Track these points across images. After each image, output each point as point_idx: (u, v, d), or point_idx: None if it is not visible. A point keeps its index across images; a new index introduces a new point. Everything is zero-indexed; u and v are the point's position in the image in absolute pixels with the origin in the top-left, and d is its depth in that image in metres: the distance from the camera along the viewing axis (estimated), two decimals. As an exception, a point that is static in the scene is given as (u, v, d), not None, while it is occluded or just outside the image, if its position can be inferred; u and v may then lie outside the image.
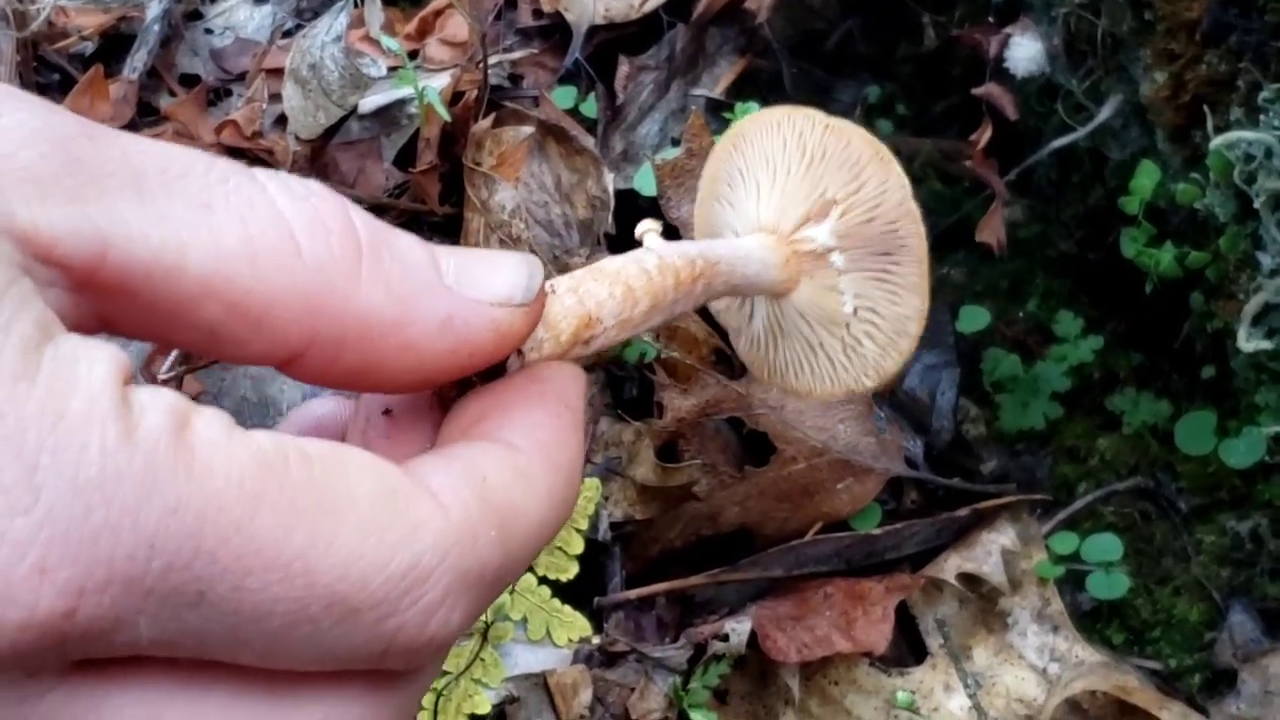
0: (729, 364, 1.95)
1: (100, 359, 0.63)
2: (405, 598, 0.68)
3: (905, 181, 1.17)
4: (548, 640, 1.84)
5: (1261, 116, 1.65)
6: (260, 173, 0.74)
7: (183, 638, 0.63)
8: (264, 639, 0.65)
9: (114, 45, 2.58)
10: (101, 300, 0.68)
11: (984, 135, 2.09)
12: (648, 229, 1.12)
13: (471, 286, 0.80)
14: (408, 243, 0.78)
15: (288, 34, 2.54)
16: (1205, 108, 1.75)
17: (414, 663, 0.71)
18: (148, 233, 0.67)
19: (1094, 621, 1.95)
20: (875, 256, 1.20)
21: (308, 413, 0.95)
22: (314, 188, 0.75)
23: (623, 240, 2.13)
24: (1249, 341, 1.76)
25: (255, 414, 1.99)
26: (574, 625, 1.85)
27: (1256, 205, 1.69)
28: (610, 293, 0.97)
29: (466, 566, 0.71)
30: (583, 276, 0.97)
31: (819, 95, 2.49)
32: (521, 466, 0.78)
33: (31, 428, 0.59)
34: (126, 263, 0.66)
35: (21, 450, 0.59)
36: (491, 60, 2.23)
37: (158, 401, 0.64)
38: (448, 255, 0.80)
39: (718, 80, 2.34)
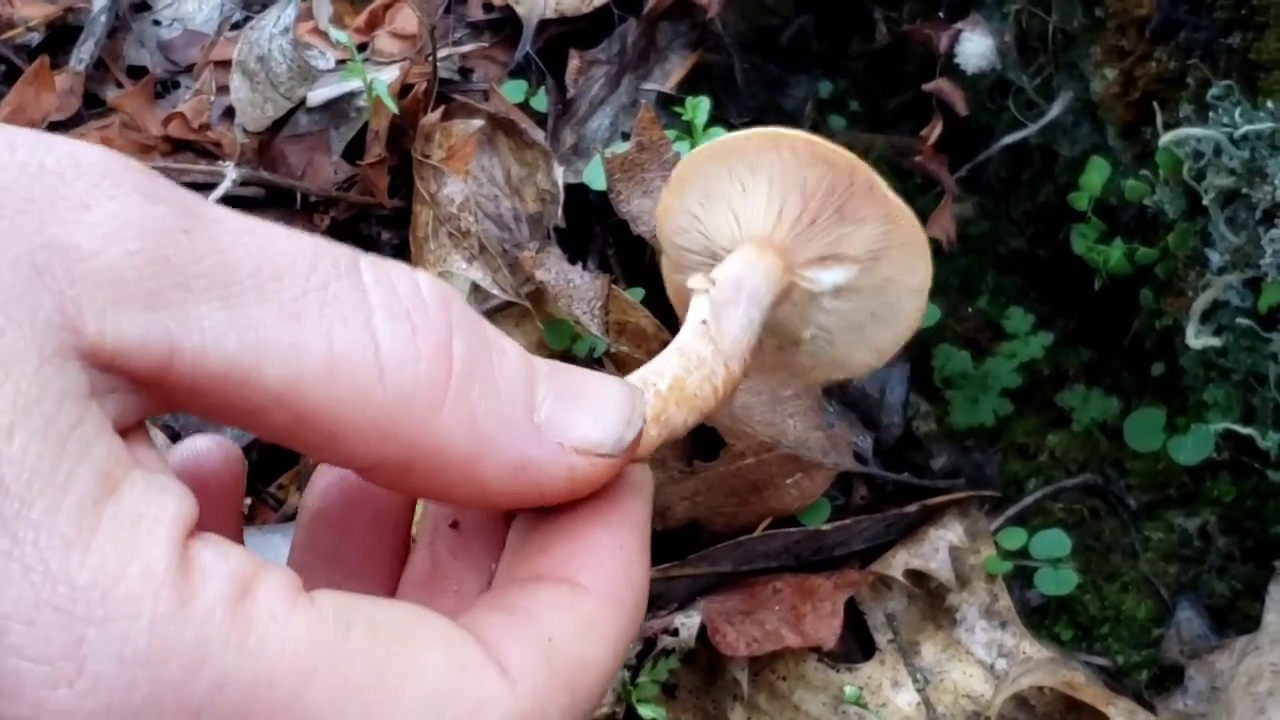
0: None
1: (164, 518, 0.61)
2: None
3: (928, 274, 1.16)
4: (496, 635, 1.83)
5: (1211, 113, 1.65)
6: (368, 272, 0.71)
7: None
8: None
9: (60, 36, 2.56)
10: (166, 395, 0.66)
11: (934, 131, 2.09)
12: (700, 288, 1.09)
13: (561, 429, 0.77)
14: (510, 369, 0.75)
15: (236, 26, 2.52)
16: (1155, 105, 1.76)
17: None
18: (224, 341, 0.65)
19: (1042, 618, 1.95)
20: (864, 314, 1.19)
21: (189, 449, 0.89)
22: (426, 295, 0.72)
23: (572, 234, 2.12)
24: (1198, 338, 1.76)
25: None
26: (523, 620, 1.83)
27: (1205, 202, 1.69)
28: (685, 421, 0.94)
29: None
30: (667, 397, 0.94)
31: (771, 91, 2.49)
32: (588, 613, 0.75)
33: (81, 600, 0.58)
34: (195, 370, 0.65)
35: (70, 622, 0.57)
36: (441, 53, 2.23)
37: (221, 566, 0.62)
38: (548, 381, 0.77)
39: (669, 75, 2.34)
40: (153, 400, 0.66)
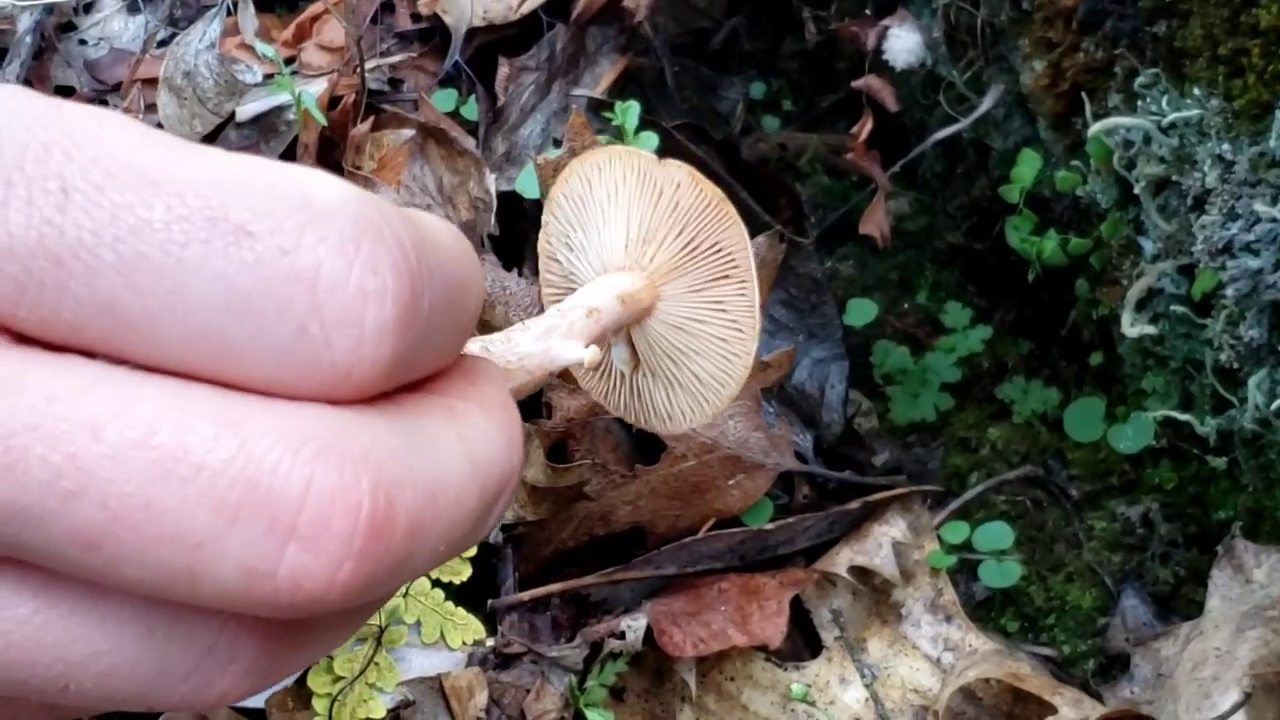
0: (616, 363, 1.94)
1: None
2: (308, 228, 0.59)
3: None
4: (442, 643, 1.82)
5: (1139, 102, 1.66)
6: None
7: (69, 263, 0.57)
8: (157, 267, 0.58)
9: (-14, 58, 2.55)
10: None
11: (865, 128, 2.09)
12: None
13: None
14: None
15: (163, 43, 2.51)
16: (1084, 95, 1.76)
17: (352, 338, 0.60)
18: None
19: (988, 611, 1.96)
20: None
21: None
22: None
23: (505, 241, 2.12)
24: (1133, 327, 1.77)
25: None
26: (468, 628, 1.83)
27: (1137, 191, 1.70)
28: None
29: (374, 219, 0.61)
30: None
31: (704, 93, 2.49)
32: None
33: None
34: None
35: None
36: (370, 64, 2.22)
37: None
38: None
39: (599, 80, 2.33)
40: None
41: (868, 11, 2.13)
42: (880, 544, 1.90)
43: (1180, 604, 1.89)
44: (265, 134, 2.25)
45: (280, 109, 2.24)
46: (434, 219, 0.69)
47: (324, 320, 0.59)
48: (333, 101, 2.18)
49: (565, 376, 1.91)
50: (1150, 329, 1.76)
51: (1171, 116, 1.61)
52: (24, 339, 0.58)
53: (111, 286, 0.57)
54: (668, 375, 1.25)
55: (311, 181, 0.61)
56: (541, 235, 1.25)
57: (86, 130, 0.58)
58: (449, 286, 0.66)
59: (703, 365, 1.24)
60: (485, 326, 1.99)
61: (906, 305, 2.25)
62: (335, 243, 0.60)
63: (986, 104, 2.00)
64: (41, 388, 0.57)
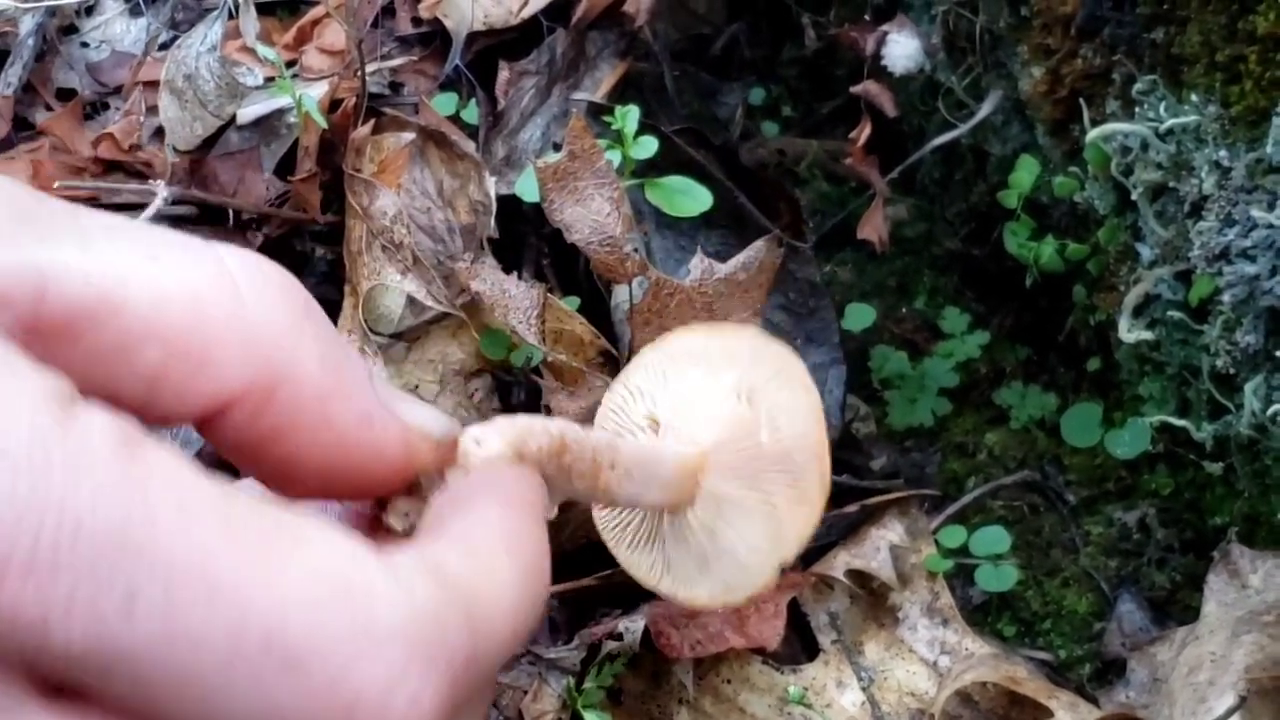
0: (614, 366, 1.94)
1: (41, 370, 0.59)
2: (360, 660, 0.61)
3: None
4: (440, 647, 1.82)
5: (1136, 109, 1.67)
6: (206, 240, 0.72)
7: (121, 663, 0.58)
8: (205, 682, 0.59)
9: (-12, 61, 2.55)
10: (45, 345, 0.64)
11: (863, 133, 2.09)
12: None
13: (393, 403, 0.77)
14: (343, 339, 0.75)
15: (164, 46, 2.51)
16: (1082, 101, 1.77)
17: None
18: (88, 272, 0.64)
19: (985, 615, 1.96)
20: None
21: None
22: (262, 258, 0.73)
23: (505, 245, 2.12)
24: (1130, 332, 1.77)
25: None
26: (466, 631, 1.83)
27: (1134, 197, 1.71)
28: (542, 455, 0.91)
29: (429, 641, 0.63)
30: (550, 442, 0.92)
31: (704, 99, 2.49)
32: (484, 560, 0.72)
33: None
34: (66, 302, 0.63)
35: None
36: (370, 68, 2.22)
37: (107, 414, 0.60)
38: (378, 374, 0.77)
39: (599, 84, 2.34)
40: (31, 347, 0.63)
41: (867, 18, 2.14)
42: (878, 547, 1.90)
43: (1176, 609, 1.89)
44: (266, 136, 2.26)
45: (281, 112, 2.25)
46: (508, 578, 0.72)
47: None
48: (333, 104, 2.18)
49: (566, 380, 1.92)
50: (1147, 335, 1.77)
51: (1169, 123, 1.62)
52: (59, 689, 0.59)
53: (156, 691, 0.59)
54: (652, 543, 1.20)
55: (383, 597, 0.63)
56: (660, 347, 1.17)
57: (164, 525, 0.59)
58: (490, 674, 0.70)
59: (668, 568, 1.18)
60: (484, 327, 1.99)
61: (904, 310, 2.26)
62: (382, 671, 0.61)
63: (985, 110, 2.01)
64: None
